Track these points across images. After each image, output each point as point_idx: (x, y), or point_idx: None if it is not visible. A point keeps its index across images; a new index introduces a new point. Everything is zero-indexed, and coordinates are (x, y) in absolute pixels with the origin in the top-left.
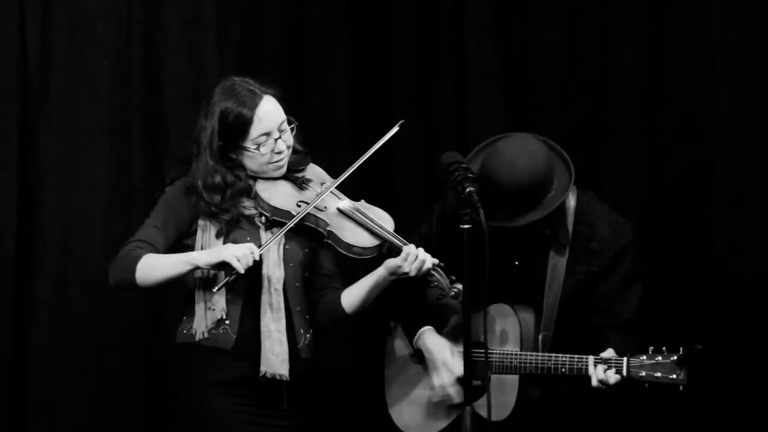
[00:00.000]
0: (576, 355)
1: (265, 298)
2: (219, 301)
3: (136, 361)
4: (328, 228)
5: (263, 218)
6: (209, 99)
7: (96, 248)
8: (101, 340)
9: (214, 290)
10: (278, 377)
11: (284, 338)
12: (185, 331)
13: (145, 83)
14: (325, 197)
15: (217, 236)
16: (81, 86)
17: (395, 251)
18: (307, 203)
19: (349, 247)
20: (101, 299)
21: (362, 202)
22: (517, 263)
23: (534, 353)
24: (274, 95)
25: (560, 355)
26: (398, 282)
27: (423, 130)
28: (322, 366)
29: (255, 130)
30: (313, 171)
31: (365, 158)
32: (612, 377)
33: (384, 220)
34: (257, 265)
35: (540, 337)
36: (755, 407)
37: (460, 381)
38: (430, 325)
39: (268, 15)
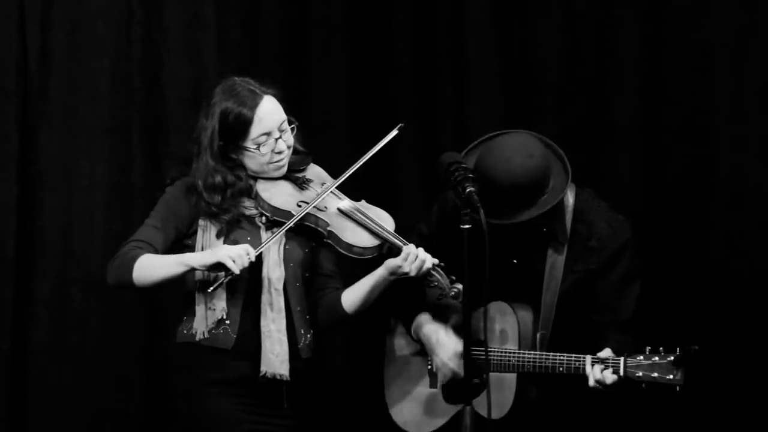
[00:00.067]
0: (573, 355)
1: (265, 298)
2: (219, 301)
3: (136, 361)
4: (328, 228)
5: (264, 218)
6: (209, 99)
7: (96, 248)
8: (101, 340)
9: (209, 290)
10: (278, 377)
11: (284, 338)
12: (185, 331)
13: (145, 83)
14: (325, 197)
15: (218, 236)
16: (81, 86)
17: (395, 251)
18: (308, 203)
19: (350, 247)
20: (101, 299)
21: (363, 202)
22: (515, 261)
23: (532, 352)
24: (274, 95)
25: (558, 354)
26: (398, 282)
27: (423, 130)
28: (322, 366)
29: (255, 130)
30: (314, 171)
31: (363, 161)
32: (609, 377)
33: (384, 220)
34: (257, 265)
35: (538, 335)
36: (755, 407)
37: (459, 355)
38: (427, 313)
39: (268, 15)
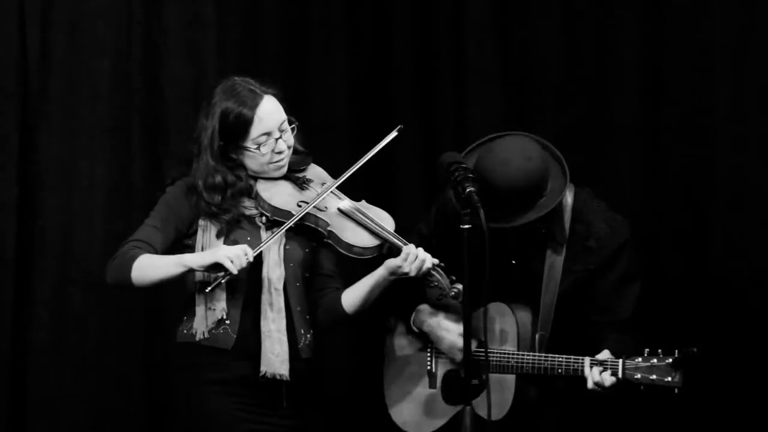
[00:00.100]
0: (572, 357)
1: (265, 298)
2: (219, 301)
3: (136, 361)
4: (328, 228)
5: (264, 218)
6: (210, 99)
7: (96, 248)
8: (101, 340)
9: (207, 290)
10: (278, 377)
11: (284, 338)
12: (185, 331)
13: (145, 83)
14: (325, 197)
15: (218, 236)
16: (81, 86)
17: (395, 251)
18: (308, 203)
19: (350, 247)
20: (101, 299)
21: (363, 202)
22: (514, 262)
23: (531, 353)
24: (274, 95)
25: (557, 355)
26: (398, 282)
27: (423, 130)
28: (322, 366)
29: (255, 130)
30: (314, 171)
31: (362, 162)
32: (607, 379)
33: (384, 220)
34: (257, 265)
35: (537, 336)
36: (755, 407)
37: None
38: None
39: (268, 15)
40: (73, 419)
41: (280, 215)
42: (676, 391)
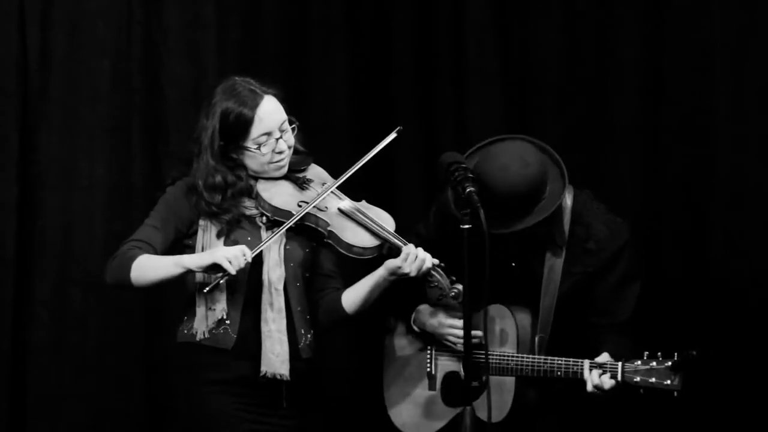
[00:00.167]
0: (571, 359)
1: (265, 297)
2: (219, 301)
3: (136, 361)
4: (328, 228)
5: (264, 218)
6: (210, 99)
7: (96, 248)
8: (101, 340)
9: (205, 291)
10: (279, 377)
11: (285, 338)
12: (186, 331)
13: (145, 83)
14: (326, 197)
15: (218, 236)
16: (81, 86)
17: (396, 251)
18: (308, 203)
19: (350, 247)
20: (101, 299)
21: (363, 202)
22: (513, 265)
23: (530, 356)
24: (275, 95)
25: (556, 358)
26: (398, 282)
27: (423, 130)
28: (322, 366)
29: (256, 130)
30: (315, 171)
31: (361, 164)
32: (607, 382)
33: (385, 221)
34: (258, 265)
35: (536, 338)
36: (755, 408)
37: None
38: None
39: (268, 15)
40: (73, 419)
41: (280, 215)
42: (675, 394)
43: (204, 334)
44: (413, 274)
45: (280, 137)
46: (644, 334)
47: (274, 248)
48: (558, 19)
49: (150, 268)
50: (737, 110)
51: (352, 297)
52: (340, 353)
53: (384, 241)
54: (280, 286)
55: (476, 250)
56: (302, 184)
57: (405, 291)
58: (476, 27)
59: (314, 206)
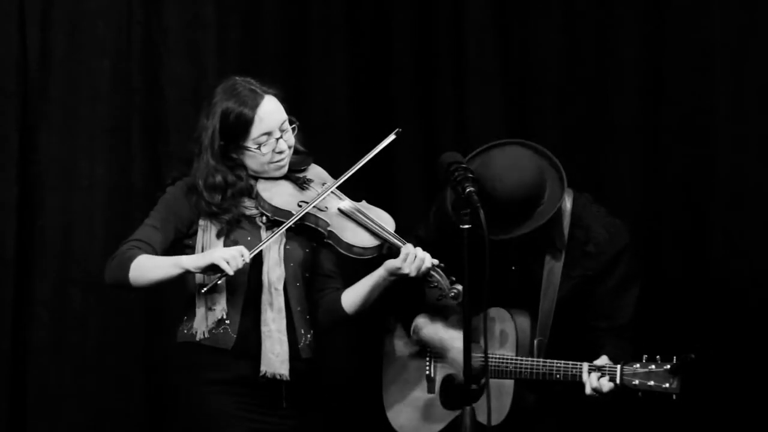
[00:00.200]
0: (570, 362)
1: (265, 297)
2: (219, 301)
3: (136, 361)
4: (328, 228)
5: (264, 218)
6: (210, 99)
7: (96, 248)
8: (101, 340)
9: (202, 291)
10: (278, 377)
11: (284, 338)
12: (186, 331)
13: (145, 83)
14: (326, 197)
15: (218, 236)
16: (81, 86)
17: (396, 252)
18: (308, 203)
19: (350, 247)
20: (101, 299)
21: (363, 202)
22: (513, 268)
23: (529, 359)
24: (275, 95)
25: (555, 361)
26: (398, 282)
27: (423, 130)
28: (322, 366)
29: (256, 130)
30: (315, 171)
31: (360, 165)
32: (605, 385)
33: (385, 221)
34: (258, 265)
35: (536, 342)
36: (755, 408)
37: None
38: (426, 315)
39: (268, 15)
40: (73, 419)
41: (280, 215)
42: (674, 397)
43: (204, 334)
44: (413, 274)
45: (281, 137)
46: (644, 335)
47: (274, 248)
48: (558, 19)
49: (149, 268)
50: (737, 110)
51: (352, 297)
52: (340, 353)
53: (384, 241)
54: (280, 286)
55: (476, 252)
56: (302, 184)
57: (405, 291)
58: (476, 27)
59: (314, 206)
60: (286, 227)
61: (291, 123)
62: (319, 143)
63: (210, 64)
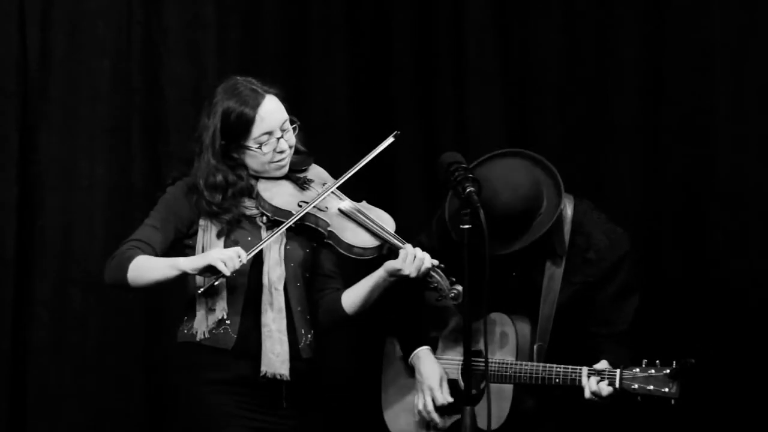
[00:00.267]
0: (570, 366)
1: (265, 297)
2: (220, 302)
3: (136, 361)
4: (328, 228)
5: (264, 218)
6: (212, 98)
7: (96, 248)
8: (101, 340)
9: (199, 291)
10: (279, 377)
11: (285, 338)
12: (186, 331)
13: (145, 83)
14: (326, 198)
15: (218, 236)
16: (81, 86)
17: (396, 252)
18: (308, 203)
19: (350, 247)
20: (101, 299)
21: (364, 203)
22: (514, 274)
23: (528, 363)
24: (276, 94)
25: (554, 365)
26: (398, 284)
27: (423, 130)
28: (322, 366)
29: (257, 129)
30: (315, 171)
31: (359, 167)
32: (605, 389)
33: (385, 221)
34: (258, 265)
35: (535, 347)
36: (755, 408)
37: (441, 409)
38: (427, 344)
39: (268, 15)
40: (73, 419)
41: (280, 215)
42: (673, 402)
43: (204, 334)
44: (413, 274)
45: (281, 137)
46: (644, 335)
47: (274, 248)
48: (558, 19)
49: (147, 269)
50: (737, 110)
51: (352, 297)
52: (340, 353)
53: (384, 241)
54: (281, 286)
55: (477, 258)
56: (303, 184)
57: (405, 293)
58: (476, 27)
59: (314, 206)
60: (285, 227)
61: (292, 123)
62: (319, 143)
63: (210, 64)
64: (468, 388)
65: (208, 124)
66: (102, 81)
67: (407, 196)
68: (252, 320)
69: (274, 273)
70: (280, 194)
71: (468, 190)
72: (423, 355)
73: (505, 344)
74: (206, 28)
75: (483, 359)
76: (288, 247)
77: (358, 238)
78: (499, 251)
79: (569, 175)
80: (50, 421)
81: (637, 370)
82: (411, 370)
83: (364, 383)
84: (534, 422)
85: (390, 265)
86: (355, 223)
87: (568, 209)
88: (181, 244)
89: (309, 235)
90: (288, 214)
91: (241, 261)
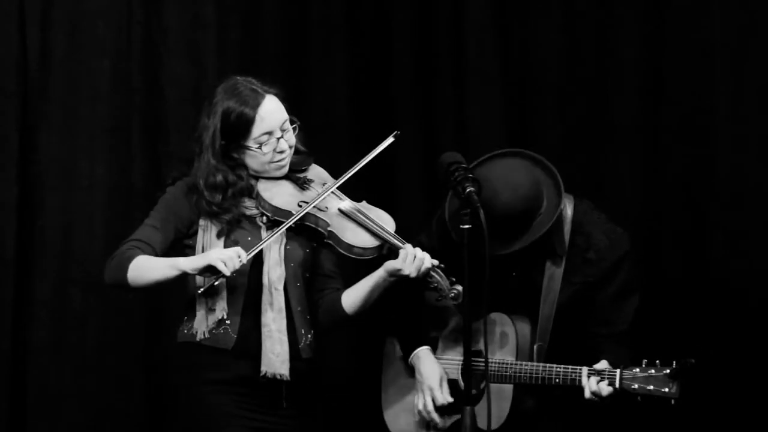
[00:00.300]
0: (570, 366)
1: (265, 297)
2: (220, 302)
3: (136, 361)
4: (328, 228)
5: (264, 218)
6: (212, 98)
7: (96, 248)
8: (101, 340)
9: (199, 291)
10: (279, 377)
11: (285, 338)
12: (186, 331)
13: (145, 83)
14: (326, 198)
15: (218, 236)
16: (81, 86)
17: (396, 252)
18: (308, 203)
19: (350, 247)
20: (101, 299)
21: (364, 203)
22: (514, 274)
23: (529, 363)
24: (276, 94)
25: (554, 365)
26: (398, 284)
27: (423, 130)
28: (322, 366)
29: (257, 129)
30: (315, 171)
31: (358, 168)
32: (605, 389)
33: (385, 221)
34: (258, 265)
35: (535, 347)
36: (755, 408)
37: (441, 409)
38: (427, 345)
39: (268, 15)
40: (73, 419)
41: (280, 215)
42: (673, 402)
43: (204, 334)
44: (413, 275)
45: (282, 137)
46: (644, 335)
47: (274, 248)
48: (558, 19)
49: (147, 269)
50: (737, 110)
51: (352, 297)
52: (340, 353)
53: (384, 241)
54: (281, 286)
55: (477, 258)
56: (303, 185)
57: (405, 293)
58: (476, 27)
59: (314, 206)
60: (285, 227)
61: (292, 123)
62: (319, 143)
63: (210, 64)
64: (468, 388)
65: (208, 124)
66: (102, 81)
67: (407, 196)
68: (252, 320)
69: (274, 273)
70: (280, 194)
71: (468, 190)
72: (423, 355)
73: (505, 344)
74: (206, 28)
75: (483, 359)
76: (288, 247)
77: (358, 238)
78: (499, 251)
79: (569, 175)
80: (50, 421)
81: (637, 370)
82: (411, 370)
83: (364, 383)
84: (534, 422)
85: (390, 265)
86: (355, 223)
87: (568, 209)
88: (181, 244)
89: (309, 235)
90: (288, 214)
91: (240, 261)
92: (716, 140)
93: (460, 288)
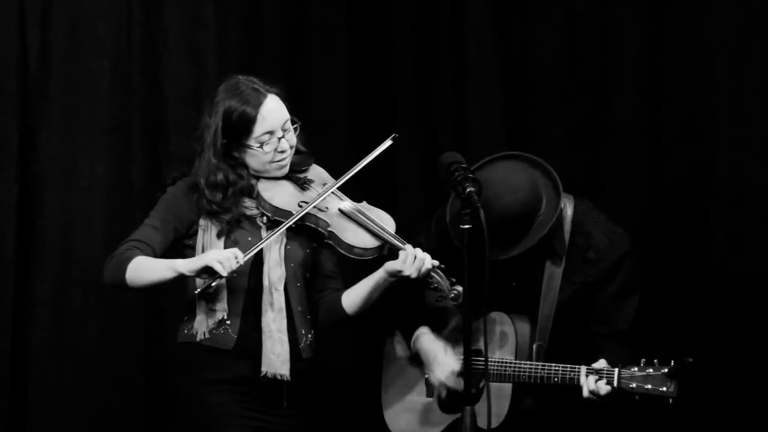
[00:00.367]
0: (569, 365)
1: (266, 298)
2: (220, 302)
3: (136, 361)
4: (329, 228)
5: (265, 218)
6: (213, 97)
7: (96, 248)
8: (101, 340)
9: (196, 292)
10: (279, 377)
11: (285, 338)
12: (186, 331)
13: (145, 83)
14: (327, 198)
15: (218, 236)
16: (81, 86)
17: (396, 253)
18: (308, 204)
19: (350, 247)
20: (101, 299)
21: (364, 203)
22: (513, 284)
23: (527, 362)
24: (278, 94)
25: (553, 364)
26: (398, 284)
27: (423, 130)
28: (322, 366)
29: (258, 129)
30: (316, 172)
31: (356, 170)
32: (603, 388)
33: (385, 222)
34: (258, 265)
35: (535, 346)
36: (755, 407)
37: (456, 374)
38: (427, 326)
39: (268, 15)
40: (73, 419)
41: (280, 215)
42: (671, 401)
43: (204, 335)
44: (413, 275)
45: (283, 136)
46: (644, 335)
47: (274, 248)
48: (558, 19)
49: (145, 270)
50: (737, 110)
51: (353, 298)
52: (340, 353)
53: (384, 242)
54: (281, 286)
55: (477, 259)
56: (303, 185)
57: (405, 293)
58: (476, 27)
59: (315, 206)
60: (284, 228)
61: (293, 123)
62: (319, 143)
63: (210, 64)
64: (468, 388)
65: (209, 122)
66: (102, 81)
67: (407, 196)
68: (252, 320)
69: (275, 273)
70: (281, 194)
71: (468, 190)
72: (423, 335)
73: (505, 343)
74: (206, 28)
75: (483, 358)
76: (288, 247)
77: (358, 238)
78: (498, 256)
79: (569, 175)
80: (50, 421)
81: (635, 369)
82: (412, 366)
83: (364, 383)
84: (533, 421)
85: (390, 265)
86: (356, 223)
87: (568, 209)
88: (181, 244)
89: (309, 235)
90: (288, 214)
91: (238, 262)
92: (716, 140)
93: (460, 288)
